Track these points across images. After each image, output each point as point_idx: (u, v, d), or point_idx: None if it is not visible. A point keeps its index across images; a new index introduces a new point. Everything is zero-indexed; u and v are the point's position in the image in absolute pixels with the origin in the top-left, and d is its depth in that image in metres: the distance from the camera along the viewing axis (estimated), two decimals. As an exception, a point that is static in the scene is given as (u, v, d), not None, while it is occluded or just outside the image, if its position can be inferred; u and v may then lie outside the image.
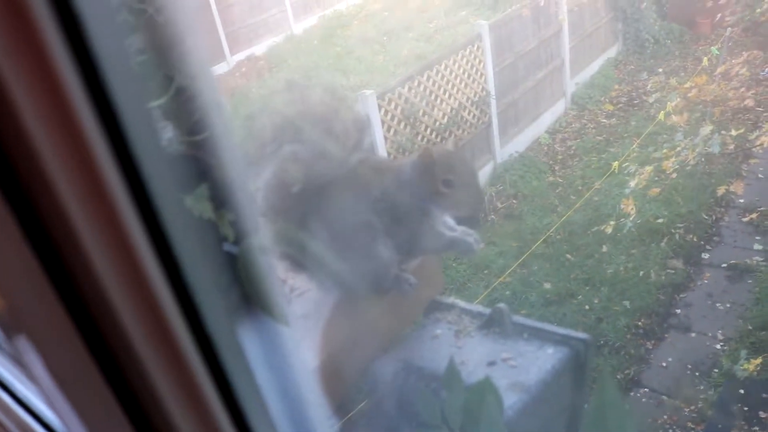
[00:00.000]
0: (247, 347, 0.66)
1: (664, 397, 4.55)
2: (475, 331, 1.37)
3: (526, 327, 1.36)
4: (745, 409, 4.25)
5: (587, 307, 5.31)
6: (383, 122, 5.88)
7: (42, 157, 0.42)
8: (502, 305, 1.37)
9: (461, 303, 1.46)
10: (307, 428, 0.83)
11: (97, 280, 0.47)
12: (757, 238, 5.66)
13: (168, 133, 0.80)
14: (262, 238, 0.83)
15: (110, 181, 0.45)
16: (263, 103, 1.54)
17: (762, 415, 4.16)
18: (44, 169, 0.42)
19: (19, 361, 0.60)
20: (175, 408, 0.55)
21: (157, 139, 0.63)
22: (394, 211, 1.42)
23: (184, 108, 0.76)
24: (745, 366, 4.09)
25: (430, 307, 1.47)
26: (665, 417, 4.40)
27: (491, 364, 1.30)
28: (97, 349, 0.51)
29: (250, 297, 0.78)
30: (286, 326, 0.84)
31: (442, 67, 6.49)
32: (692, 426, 4.29)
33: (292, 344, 0.85)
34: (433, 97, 6.43)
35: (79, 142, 0.43)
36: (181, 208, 0.63)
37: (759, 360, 4.12)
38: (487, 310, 1.39)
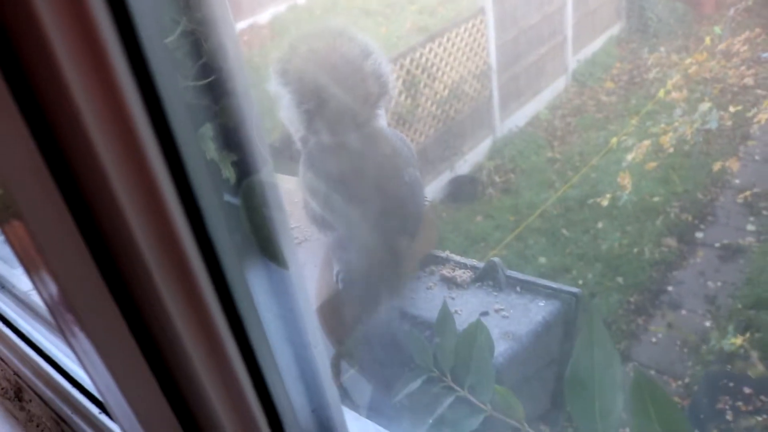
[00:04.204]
0: (253, 287, 0.69)
1: (653, 372, 4.62)
2: (469, 284, 1.41)
3: (518, 280, 1.40)
4: (731, 384, 4.33)
5: (581, 281, 5.36)
6: (384, 93, 5.88)
7: (81, 115, 0.43)
8: (495, 259, 1.40)
9: (456, 257, 1.49)
10: (308, 362, 0.87)
11: (126, 228, 0.49)
12: (751, 218, 5.69)
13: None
14: (268, 174, 0.85)
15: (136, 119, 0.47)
16: (292, 52, 1.36)
17: (746, 390, 4.24)
18: (85, 130, 0.44)
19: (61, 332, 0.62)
20: (193, 352, 0.57)
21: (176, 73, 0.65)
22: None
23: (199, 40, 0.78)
24: (732, 341, 4.16)
25: (426, 261, 1.51)
26: (653, 390, 4.48)
27: (484, 314, 1.34)
28: (118, 290, 0.53)
29: (254, 239, 0.81)
30: (286, 270, 0.86)
31: (445, 39, 6.45)
32: (679, 400, 4.37)
33: (294, 286, 0.87)
34: (434, 69, 6.40)
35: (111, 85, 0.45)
36: (197, 148, 0.65)
37: (747, 336, 4.19)
38: (481, 264, 1.43)
